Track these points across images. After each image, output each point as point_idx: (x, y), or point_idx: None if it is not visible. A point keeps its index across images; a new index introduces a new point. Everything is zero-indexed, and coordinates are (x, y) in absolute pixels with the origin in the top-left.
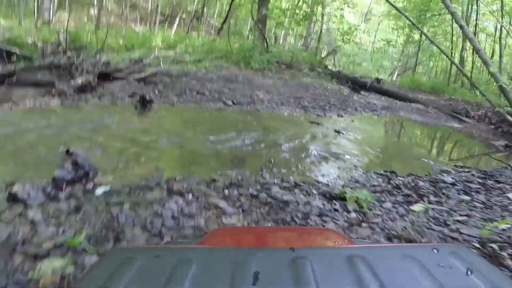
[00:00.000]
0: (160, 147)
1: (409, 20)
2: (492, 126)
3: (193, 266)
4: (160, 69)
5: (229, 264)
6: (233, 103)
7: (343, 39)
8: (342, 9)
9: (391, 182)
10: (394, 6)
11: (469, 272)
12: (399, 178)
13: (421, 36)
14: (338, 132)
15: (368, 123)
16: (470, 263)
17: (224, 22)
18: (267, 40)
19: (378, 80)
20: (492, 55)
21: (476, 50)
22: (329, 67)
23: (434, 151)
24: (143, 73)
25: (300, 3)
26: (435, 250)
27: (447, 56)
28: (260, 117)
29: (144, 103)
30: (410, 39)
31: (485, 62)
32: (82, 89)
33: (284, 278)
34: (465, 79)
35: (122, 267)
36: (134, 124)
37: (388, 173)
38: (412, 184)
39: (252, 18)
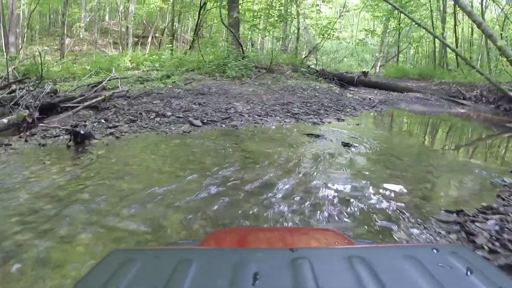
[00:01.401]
0: (56, 235)
1: (393, 6)
2: (492, 106)
3: (193, 267)
4: (117, 92)
5: (229, 265)
6: (203, 122)
7: (323, 35)
8: (317, 5)
9: (469, 232)
10: None
11: (469, 272)
12: (475, 223)
13: (399, 23)
14: (347, 145)
15: (374, 124)
16: (470, 263)
17: (195, 33)
18: (242, 45)
19: (364, 73)
20: (472, 33)
21: (477, 24)
22: (311, 66)
23: (470, 151)
24: (95, 99)
25: (273, 3)
26: (435, 250)
27: (437, 38)
28: (239, 138)
29: (79, 140)
30: (388, 29)
31: (490, 37)
32: (16, 129)
33: (284, 279)
34: (450, 61)
35: (122, 268)
36: (49, 181)
37: (455, 214)
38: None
39: (222, 23)
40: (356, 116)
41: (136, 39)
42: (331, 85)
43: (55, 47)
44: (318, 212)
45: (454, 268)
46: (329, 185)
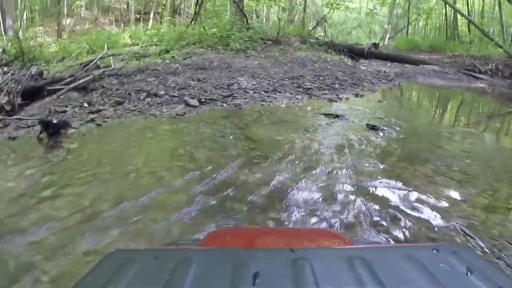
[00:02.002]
0: None
1: None
2: (510, 80)
3: (193, 267)
4: (108, 70)
5: (229, 265)
6: (201, 102)
7: (331, 5)
8: None
9: None
10: None
11: (469, 273)
12: None
13: None
14: (373, 128)
15: (397, 100)
16: (470, 263)
17: (196, 6)
18: (247, 16)
19: (375, 45)
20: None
21: None
22: (319, 38)
23: None
24: (83, 79)
25: None
26: (435, 251)
27: (453, 8)
28: (243, 121)
29: (51, 131)
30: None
31: None
32: None
33: (284, 279)
34: (461, 34)
35: (122, 268)
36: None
37: None
38: None
39: None
40: (375, 91)
41: (138, 16)
42: (342, 57)
43: (56, 28)
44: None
45: (454, 268)
46: (364, 192)
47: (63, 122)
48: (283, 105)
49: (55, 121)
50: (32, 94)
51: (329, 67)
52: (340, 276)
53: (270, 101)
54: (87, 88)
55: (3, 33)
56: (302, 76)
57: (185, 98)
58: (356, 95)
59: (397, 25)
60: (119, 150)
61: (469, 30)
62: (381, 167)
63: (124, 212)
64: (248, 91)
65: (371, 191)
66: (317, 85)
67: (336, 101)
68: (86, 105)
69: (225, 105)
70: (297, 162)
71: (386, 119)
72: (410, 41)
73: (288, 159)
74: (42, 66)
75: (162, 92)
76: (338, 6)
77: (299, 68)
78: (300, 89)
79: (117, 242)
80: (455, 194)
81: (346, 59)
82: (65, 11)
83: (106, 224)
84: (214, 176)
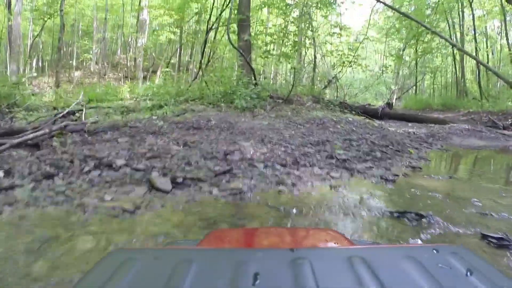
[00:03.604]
0: None
1: (420, 23)
2: None
3: (193, 267)
4: (73, 124)
5: (229, 265)
6: (176, 182)
7: (343, 62)
8: (334, 33)
9: None
10: (403, 13)
11: (469, 273)
12: None
13: (416, 51)
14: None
15: (466, 172)
16: (470, 264)
17: (201, 63)
18: (254, 71)
19: (389, 105)
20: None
21: None
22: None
23: None
24: (33, 134)
25: (287, 29)
26: (435, 251)
27: (480, 62)
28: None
29: None
30: (403, 60)
31: None
32: None
33: (284, 279)
34: (470, 91)
35: (122, 268)
36: None
37: None
38: None
39: (230, 43)
40: (426, 159)
41: (146, 73)
42: (363, 117)
43: (65, 79)
44: None
45: (454, 269)
46: None
47: None
48: (316, 193)
49: None
50: None
51: (354, 129)
52: (340, 276)
53: (293, 184)
54: (40, 146)
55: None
56: (328, 141)
57: (153, 174)
58: (413, 168)
59: (404, 85)
60: None
61: (479, 87)
62: None
63: None
64: (255, 164)
65: None
66: (353, 154)
67: (393, 181)
68: (1, 175)
69: (215, 190)
70: None
71: (497, 215)
72: (420, 100)
73: None
74: (21, 114)
75: (120, 162)
76: (351, 64)
77: (319, 130)
78: (333, 161)
79: None
80: None
81: (368, 120)
82: (74, 63)
83: None
84: None
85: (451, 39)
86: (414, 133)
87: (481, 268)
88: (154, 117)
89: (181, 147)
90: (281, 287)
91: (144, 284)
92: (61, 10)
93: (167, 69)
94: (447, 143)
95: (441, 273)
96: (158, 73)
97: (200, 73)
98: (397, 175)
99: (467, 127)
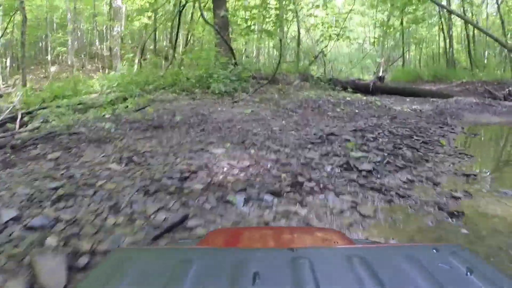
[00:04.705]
0: None
1: None
2: None
3: (193, 267)
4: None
5: (229, 264)
6: (77, 264)
7: (329, 36)
8: (318, 5)
9: None
10: None
11: (469, 273)
12: None
13: (402, 24)
14: None
15: None
16: (470, 264)
17: (174, 45)
18: (233, 50)
19: (380, 78)
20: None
21: None
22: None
23: None
24: None
25: (265, 2)
26: (434, 251)
27: (479, 28)
28: None
29: None
30: (390, 30)
31: None
32: None
33: (284, 278)
34: (459, 61)
35: (123, 267)
36: None
37: None
38: None
39: (203, 18)
40: (465, 153)
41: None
42: (358, 95)
43: (42, 75)
44: None
45: (454, 268)
46: None
47: None
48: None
49: None
50: None
51: (357, 111)
52: (340, 275)
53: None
54: None
55: None
56: (333, 134)
57: (47, 241)
58: (466, 176)
59: (389, 57)
60: None
61: (469, 56)
62: None
63: None
64: (229, 197)
65: None
66: (377, 158)
67: (458, 215)
68: None
69: None
70: None
71: None
72: (409, 71)
73: None
74: None
75: (8, 215)
76: (339, 37)
77: (316, 117)
78: (353, 175)
79: None
80: None
81: (368, 98)
82: (49, 58)
83: None
84: None
85: (437, 7)
86: (420, 110)
87: (481, 268)
88: (107, 115)
89: (122, 165)
90: (281, 286)
91: (145, 283)
92: (21, 2)
93: (131, 55)
94: (462, 122)
95: (441, 272)
96: (136, 60)
97: (176, 57)
98: (458, 198)
99: (474, 100)
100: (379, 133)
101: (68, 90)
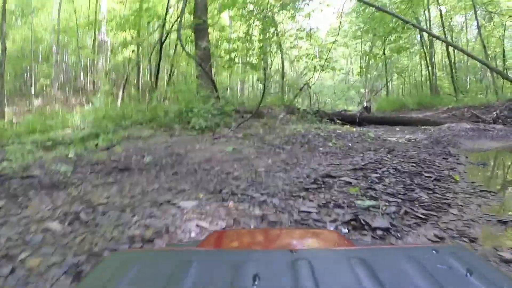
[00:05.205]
0: None
1: (400, 19)
2: None
3: (193, 269)
4: None
5: (229, 266)
6: None
7: (314, 67)
8: (302, 37)
9: None
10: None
11: (469, 273)
12: None
13: (384, 53)
14: None
15: None
16: (470, 264)
17: (156, 78)
18: (215, 83)
19: (367, 109)
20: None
21: None
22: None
23: None
24: None
25: (248, 34)
26: (434, 251)
27: (470, 55)
28: None
29: None
30: (372, 61)
31: None
32: None
33: (284, 280)
34: (442, 88)
35: (122, 270)
36: None
37: None
38: None
39: (182, 48)
40: (484, 190)
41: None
42: (348, 126)
43: (26, 108)
44: None
45: (454, 269)
46: None
47: None
48: None
49: None
50: None
51: (350, 145)
52: (340, 277)
53: None
54: None
55: None
56: (330, 176)
57: None
58: (503, 224)
59: (373, 87)
60: None
61: (453, 82)
62: None
63: None
64: None
65: None
66: (391, 208)
67: None
68: None
69: None
70: None
71: None
72: (394, 100)
73: None
74: None
75: None
76: (322, 68)
77: (306, 154)
78: (368, 239)
79: None
80: None
81: (362, 130)
82: (33, 91)
83: None
84: None
85: (418, 36)
86: (415, 140)
87: (481, 268)
88: (71, 155)
89: (65, 224)
90: None
91: (144, 285)
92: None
93: (106, 88)
94: (461, 150)
95: (440, 273)
96: (119, 94)
97: (157, 91)
98: (509, 261)
99: (468, 126)
100: (383, 172)
101: (43, 125)
